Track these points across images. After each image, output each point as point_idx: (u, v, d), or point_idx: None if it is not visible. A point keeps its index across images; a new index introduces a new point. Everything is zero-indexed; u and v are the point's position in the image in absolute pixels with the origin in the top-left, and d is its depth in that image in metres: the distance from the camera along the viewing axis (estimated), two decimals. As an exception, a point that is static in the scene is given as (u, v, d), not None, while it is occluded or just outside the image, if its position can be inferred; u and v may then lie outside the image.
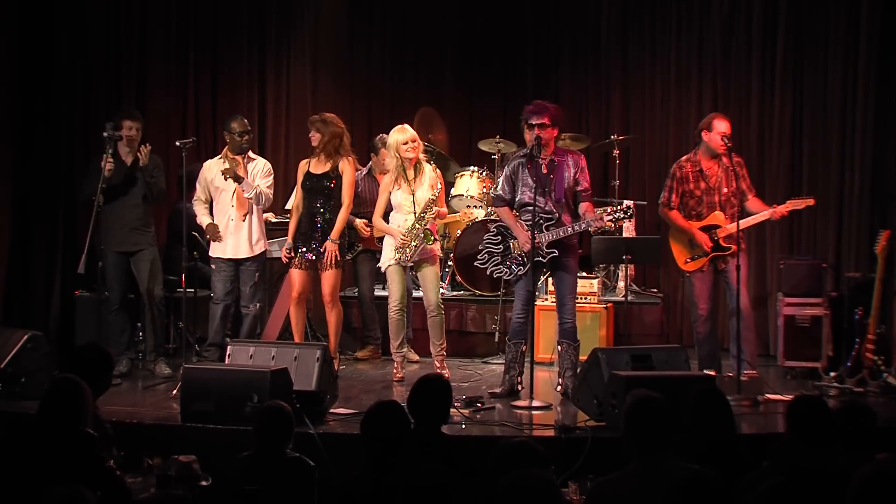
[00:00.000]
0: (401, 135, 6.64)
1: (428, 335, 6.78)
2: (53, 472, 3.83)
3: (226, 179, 6.79)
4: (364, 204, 7.34)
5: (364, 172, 7.52)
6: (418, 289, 7.04)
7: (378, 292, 7.64)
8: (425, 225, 6.63)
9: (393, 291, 6.73)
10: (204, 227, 6.98)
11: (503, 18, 9.43)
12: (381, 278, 7.39)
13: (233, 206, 6.92)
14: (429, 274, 6.70)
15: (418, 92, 9.47)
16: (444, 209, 6.89)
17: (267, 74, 8.71)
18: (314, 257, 6.70)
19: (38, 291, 7.75)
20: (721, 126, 6.43)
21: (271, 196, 7.06)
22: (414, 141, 6.63)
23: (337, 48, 9.24)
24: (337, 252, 6.68)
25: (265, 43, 8.71)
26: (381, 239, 6.93)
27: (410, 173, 6.65)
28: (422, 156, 6.74)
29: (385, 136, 7.08)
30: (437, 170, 6.85)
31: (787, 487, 3.25)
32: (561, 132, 6.54)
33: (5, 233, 7.58)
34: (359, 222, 7.26)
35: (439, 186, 6.68)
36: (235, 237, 6.91)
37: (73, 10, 7.87)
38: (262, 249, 7.03)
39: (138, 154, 6.76)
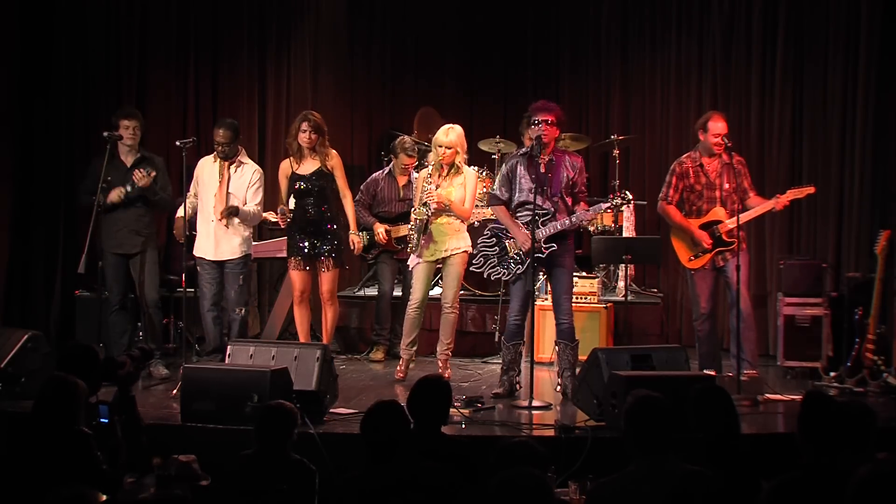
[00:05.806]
0: (441, 136, 6.60)
1: (430, 336, 6.78)
2: (49, 471, 3.84)
3: (221, 218, 6.73)
4: (383, 203, 7.47)
5: (385, 172, 7.57)
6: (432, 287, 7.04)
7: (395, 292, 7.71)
8: (429, 211, 6.58)
9: (415, 290, 6.70)
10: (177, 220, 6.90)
11: (503, 18, 9.43)
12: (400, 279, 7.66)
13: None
14: (451, 271, 6.65)
15: (418, 92, 9.46)
16: (450, 200, 6.58)
17: (267, 74, 8.70)
18: (324, 255, 6.76)
19: (38, 291, 7.74)
20: (716, 127, 6.42)
21: (262, 212, 6.97)
22: (449, 147, 6.54)
23: (337, 48, 9.23)
24: (358, 242, 6.99)
25: (265, 43, 8.69)
26: (398, 240, 7.29)
27: (444, 170, 6.63)
28: (466, 166, 6.69)
29: (406, 138, 7.49)
30: (479, 174, 6.84)
31: (795, 485, 3.24)
32: (561, 133, 6.55)
33: (5, 233, 7.58)
34: (379, 230, 7.33)
35: (469, 185, 6.61)
36: (218, 239, 6.81)
37: (74, 10, 7.87)
38: (247, 252, 6.90)
39: (134, 177, 6.67)
